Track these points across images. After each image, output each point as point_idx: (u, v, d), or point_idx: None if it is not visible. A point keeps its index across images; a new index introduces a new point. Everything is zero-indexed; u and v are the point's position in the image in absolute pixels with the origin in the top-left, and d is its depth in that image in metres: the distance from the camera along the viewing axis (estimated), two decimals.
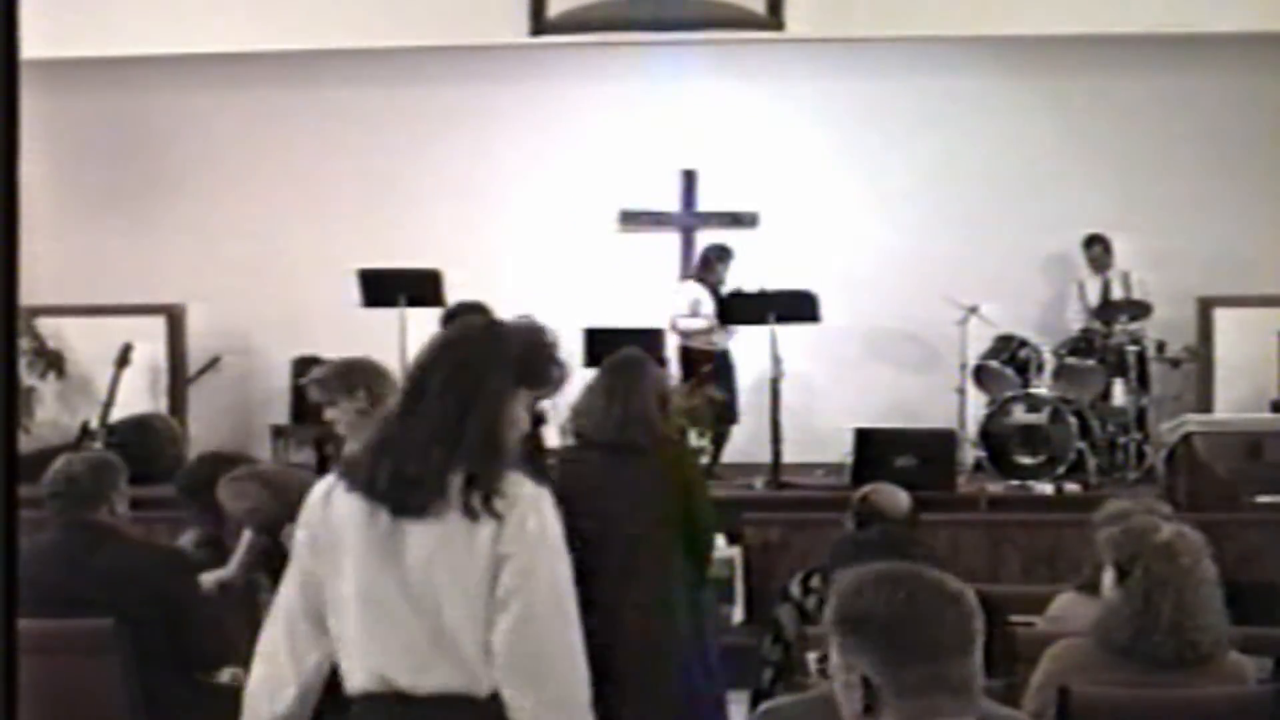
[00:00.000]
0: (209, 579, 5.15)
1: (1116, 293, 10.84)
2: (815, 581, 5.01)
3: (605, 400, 5.50)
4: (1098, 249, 10.88)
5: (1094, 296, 10.89)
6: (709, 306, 10.59)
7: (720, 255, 10.75)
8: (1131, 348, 10.39)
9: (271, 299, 11.18)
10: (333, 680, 3.01)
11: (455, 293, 10.22)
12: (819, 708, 2.41)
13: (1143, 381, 10.48)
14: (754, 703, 5.09)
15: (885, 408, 10.89)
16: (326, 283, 10.59)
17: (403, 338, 9.85)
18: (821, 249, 11.07)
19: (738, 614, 8.22)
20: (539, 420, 5.98)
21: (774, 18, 10.20)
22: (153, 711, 4.68)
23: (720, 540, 8.33)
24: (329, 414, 5.19)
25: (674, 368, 10.48)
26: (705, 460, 10.26)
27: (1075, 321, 10.88)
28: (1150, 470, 9.87)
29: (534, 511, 2.90)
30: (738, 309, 10.10)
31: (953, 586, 2.27)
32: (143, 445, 9.71)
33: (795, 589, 5.03)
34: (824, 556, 5.01)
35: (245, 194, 11.47)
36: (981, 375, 10.45)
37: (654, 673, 5.25)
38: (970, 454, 10.11)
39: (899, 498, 5.17)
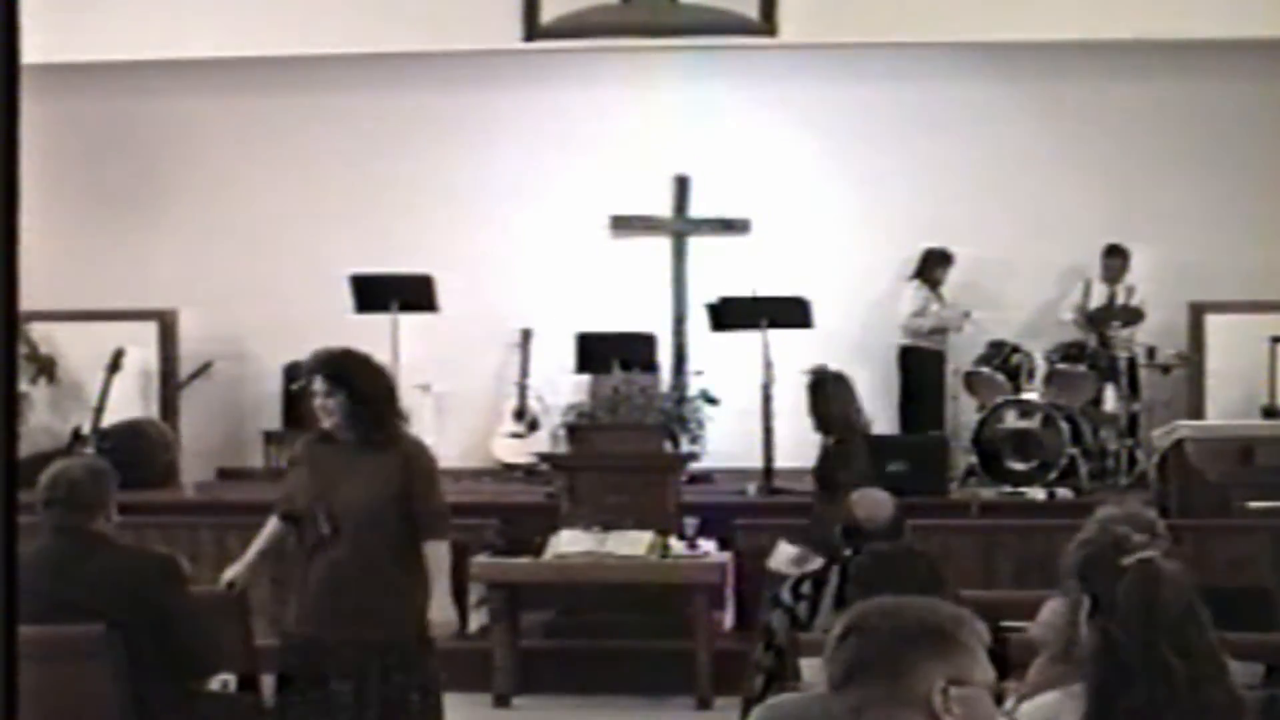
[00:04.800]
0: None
1: (1118, 301, 10.82)
2: (806, 587, 5.00)
3: None
4: (1117, 261, 10.82)
5: (1096, 301, 10.86)
6: (936, 306, 10.76)
7: (942, 259, 10.88)
8: (1123, 353, 10.42)
9: (263, 304, 11.17)
10: None
11: (448, 298, 10.23)
12: (817, 705, 2.43)
13: (1134, 387, 10.50)
14: (745, 710, 5.07)
15: (877, 413, 10.90)
16: (319, 288, 10.59)
17: (395, 343, 9.85)
18: (813, 255, 11.08)
19: (728, 620, 8.21)
20: None
21: (767, 23, 10.20)
22: (143, 718, 4.67)
23: (711, 545, 8.36)
24: None
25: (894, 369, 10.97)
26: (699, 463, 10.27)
27: (1066, 314, 10.90)
28: (1142, 476, 9.88)
29: None
30: (730, 314, 10.10)
31: (848, 619, 2.37)
32: (134, 451, 9.71)
33: (787, 595, 5.02)
34: (841, 571, 4.94)
35: (237, 199, 11.47)
36: (973, 381, 10.47)
37: None
38: (962, 460, 10.11)
39: (881, 506, 5.14)
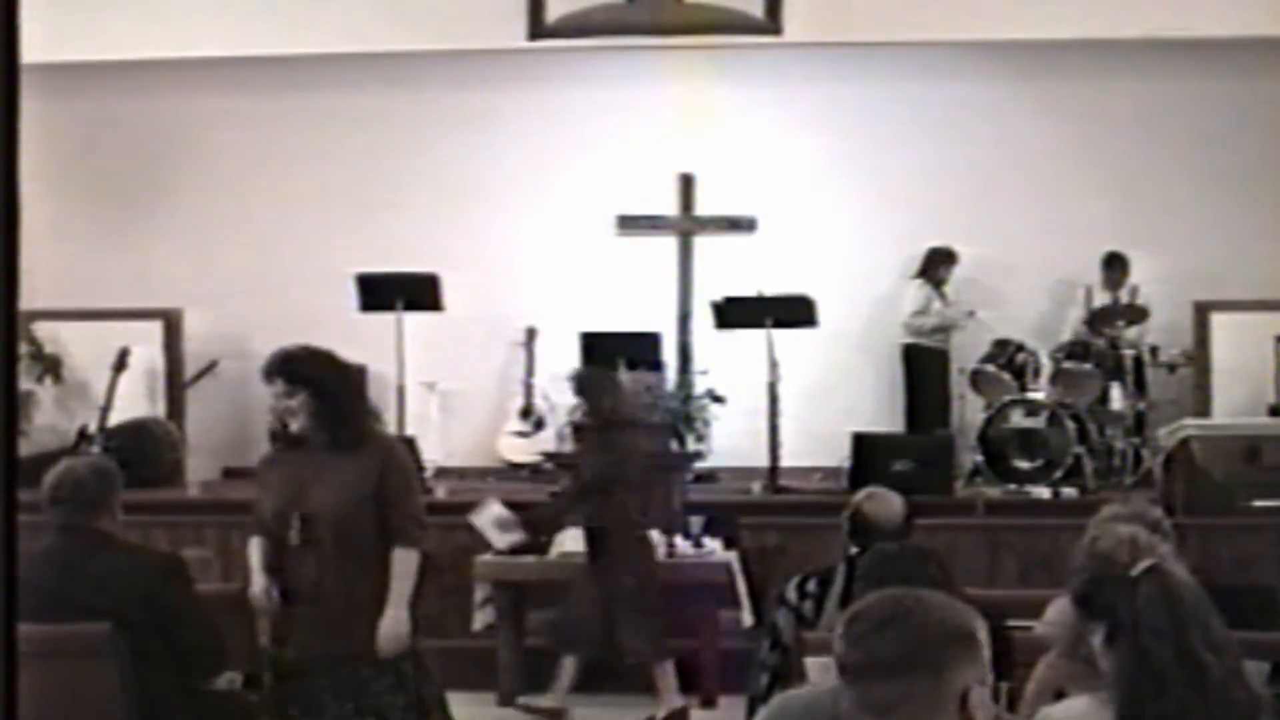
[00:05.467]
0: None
1: (1122, 301, 10.80)
2: (812, 586, 4.99)
3: None
4: (1116, 270, 10.80)
5: (1099, 303, 10.85)
6: (939, 304, 10.81)
7: (946, 257, 10.90)
8: (1128, 352, 10.41)
9: (269, 303, 11.17)
10: None
11: (453, 297, 10.24)
12: (828, 698, 2.43)
13: (1140, 386, 10.49)
14: (750, 709, 5.07)
15: (883, 411, 10.91)
16: (324, 287, 10.59)
17: (400, 342, 9.86)
18: (819, 253, 11.08)
19: (747, 618, 8.18)
20: None
21: (772, 22, 10.20)
22: (149, 717, 4.68)
23: (716, 544, 8.35)
24: None
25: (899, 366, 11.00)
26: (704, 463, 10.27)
27: (1072, 311, 10.89)
28: (1148, 475, 9.87)
29: None
30: (733, 313, 10.10)
31: (884, 609, 2.35)
32: (140, 450, 9.71)
33: (792, 594, 5.01)
34: (847, 570, 4.91)
35: (242, 198, 11.47)
36: (979, 380, 10.46)
37: None
38: (968, 458, 10.11)
39: (892, 507, 5.09)
